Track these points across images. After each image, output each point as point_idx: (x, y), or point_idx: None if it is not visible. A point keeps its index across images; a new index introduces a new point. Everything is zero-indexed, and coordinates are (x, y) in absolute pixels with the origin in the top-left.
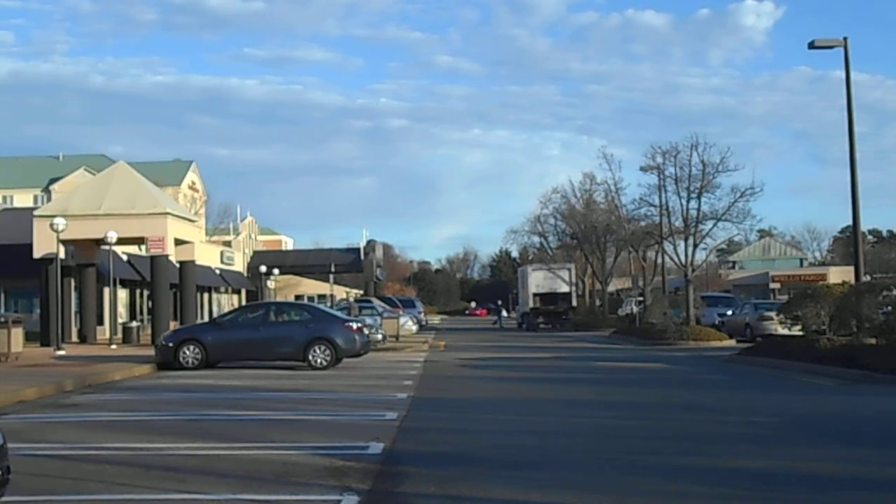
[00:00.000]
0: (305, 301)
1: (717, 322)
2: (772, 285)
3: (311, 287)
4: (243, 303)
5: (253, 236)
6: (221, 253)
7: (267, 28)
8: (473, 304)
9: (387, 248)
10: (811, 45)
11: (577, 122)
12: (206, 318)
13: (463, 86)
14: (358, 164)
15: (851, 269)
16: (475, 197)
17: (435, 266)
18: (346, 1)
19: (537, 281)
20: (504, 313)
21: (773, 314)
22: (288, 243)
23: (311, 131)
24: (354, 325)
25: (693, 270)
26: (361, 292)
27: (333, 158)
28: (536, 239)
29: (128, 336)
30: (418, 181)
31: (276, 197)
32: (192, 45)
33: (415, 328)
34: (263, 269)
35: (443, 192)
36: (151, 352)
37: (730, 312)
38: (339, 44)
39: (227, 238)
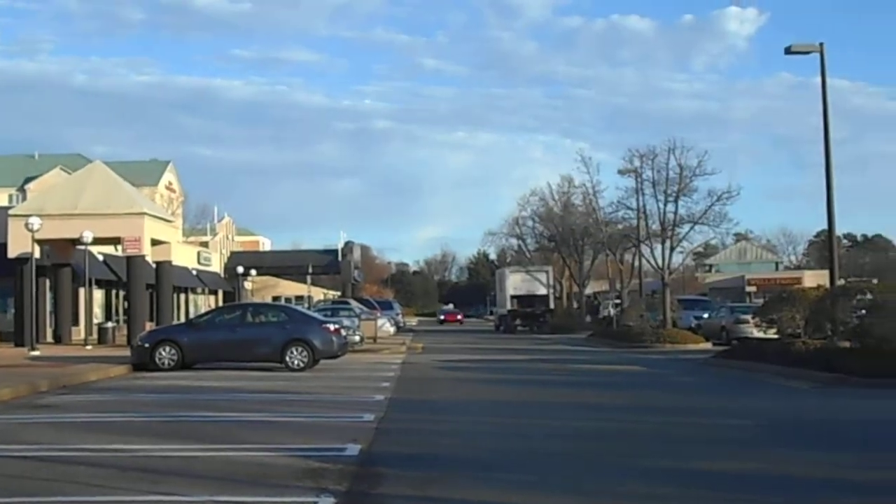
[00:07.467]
0: (283, 302)
1: (693, 325)
2: (748, 288)
3: (288, 288)
4: (220, 304)
5: (230, 237)
6: (198, 253)
7: (254, 29)
8: (451, 306)
9: (364, 249)
10: (787, 51)
11: (561, 124)
12: (183, 319)
13: (448, 88)
14: (341, 165)
15: (826, 272)
16: (458, 199)
17: (413, 268)
18: (334, 3)
19: (515, 283)
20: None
21: (748, 317)
22: (265, 244)
23: (296, 132)
24: (332, 327)
25: (670, 273)
26: (339, 294)
27: (317, 159)
28: (514, 241)
29: (103, 337)
30: (401, 183)
31: (259, 198)
32: (179, 45)
33: (392, 330)
34: (241, 269)
35: (426, 194)
36: (127, 353)
37: (706, 315)
38: (326, 45)
39: (204, 239)
